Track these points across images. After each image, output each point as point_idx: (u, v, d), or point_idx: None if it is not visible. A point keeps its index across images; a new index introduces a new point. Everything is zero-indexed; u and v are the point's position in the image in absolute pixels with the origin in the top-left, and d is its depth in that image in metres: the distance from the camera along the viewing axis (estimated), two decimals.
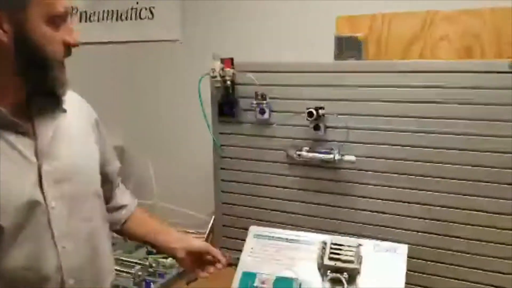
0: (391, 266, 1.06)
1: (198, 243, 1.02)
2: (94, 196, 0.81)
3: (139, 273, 1.28)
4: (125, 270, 1.30)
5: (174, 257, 1.01)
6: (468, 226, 1.12)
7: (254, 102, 1.26)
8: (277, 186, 1.32)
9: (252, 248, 1.18)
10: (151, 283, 1.27)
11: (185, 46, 1.69)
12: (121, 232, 0.98)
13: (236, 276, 1.13)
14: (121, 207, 0.94)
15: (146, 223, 0.97)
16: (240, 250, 1.17)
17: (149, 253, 1.41)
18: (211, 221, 1.40)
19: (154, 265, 1.35)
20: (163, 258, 1.35)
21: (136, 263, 1.34)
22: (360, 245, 1.08)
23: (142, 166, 1.73)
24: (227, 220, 1.40)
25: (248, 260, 1.16)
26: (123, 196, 0.95)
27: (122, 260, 1.36)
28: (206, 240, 1.39)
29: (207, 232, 1.40)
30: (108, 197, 0.92)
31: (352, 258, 1.05)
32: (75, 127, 0.81)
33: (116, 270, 1.32)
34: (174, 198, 1.63)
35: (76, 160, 0.78)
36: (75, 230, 0.76)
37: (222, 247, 1.41)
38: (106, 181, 0.89)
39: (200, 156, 1.46)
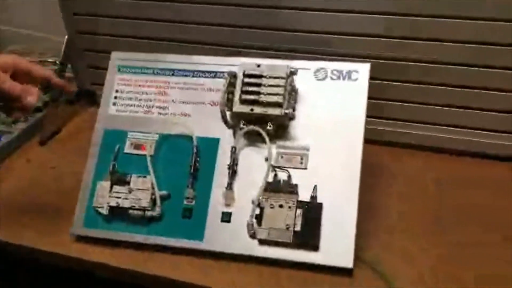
0: (345, 101, 0.64)
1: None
2: None
3: None
4: None
5: None
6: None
7: None
8: None
9: (117, 91, 0.71)
10: None
11: None
12: None
13: (94, 138, 0.69)
14: None
15: None
16: None
17: None
18: (64, 43, 0.89)
19: None
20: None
21: None
22: (293, 72, 0.64)
23: None
24: (89, 42, 0.89)
25: (112, 111, 0.70)
26: None
27: None
28: (61, 72, 0.90)
29: (59, 60, 0.89)
30: None
31: (278, 99, 0.61)
32: None
33: None
34: (18, 15, 1.08)
35: None
36: None
37: (94, 83, 0.93)
38: None
39: None
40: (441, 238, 0.64)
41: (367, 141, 0.63)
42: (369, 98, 0.64)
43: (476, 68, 0.70)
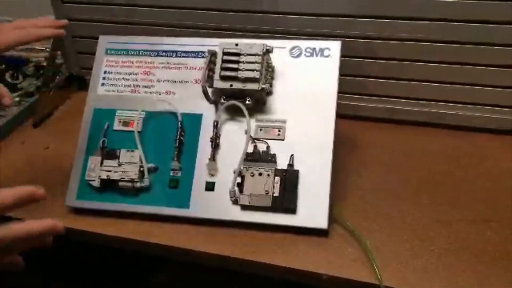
0: (319, 77, 0.69)
1: None
2: None
3: None
4: None
5: None
6: None
7: None
8: None
9: (106, 72, 0.75)
10: None
11: None
12: None
13: (85, 117, 0.74)
14: None
15: None
16: None
17: None
18: None
19: None
20: None
21: None
22: (268, 50, 0.68)
23: None
24: (77, 28, 0.93)
25: (101, 91, 0.75)
26: None
27: None
28: (52, 58, 0.93)
29: (49, 49, 0.93)
30: None
31: (255, 75, 0.66)
32: None
33: None
34: (6, 3, 1.11)
35: None
36: None
37: (83, 68, 0.97)
38: None
39: None
40: (410, 201, 0.69)
41: (344, 116, 0.68)
42: (344, 75, 0.69)
43: (447, 45, 0.74)
